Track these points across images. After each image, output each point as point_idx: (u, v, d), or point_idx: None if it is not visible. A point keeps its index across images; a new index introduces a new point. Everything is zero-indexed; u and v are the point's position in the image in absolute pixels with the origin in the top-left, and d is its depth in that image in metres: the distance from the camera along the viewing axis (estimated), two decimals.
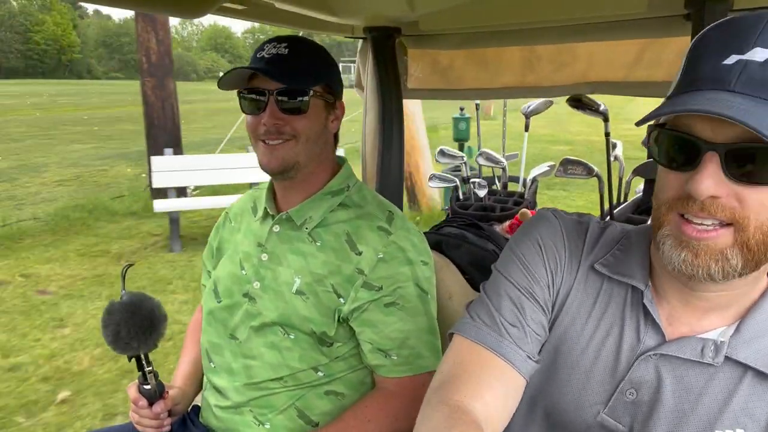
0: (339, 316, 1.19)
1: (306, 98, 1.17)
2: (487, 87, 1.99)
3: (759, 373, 0.76)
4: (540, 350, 0.86)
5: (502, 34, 1.76)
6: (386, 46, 1.81)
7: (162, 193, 5.99)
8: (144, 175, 8.52)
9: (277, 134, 1.17)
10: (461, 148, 7.19)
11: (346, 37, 1.94)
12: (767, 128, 0.60)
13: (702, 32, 0.71)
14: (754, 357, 0.75)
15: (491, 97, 2.10)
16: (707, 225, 0.68)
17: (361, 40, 1.94)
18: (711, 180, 0.65)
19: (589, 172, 3.23)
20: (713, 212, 0.67)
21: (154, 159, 5.81)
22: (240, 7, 1.42)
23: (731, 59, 0.65)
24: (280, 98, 1.16)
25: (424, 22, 1.76)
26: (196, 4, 1.23)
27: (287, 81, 1.15)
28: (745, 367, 0.76)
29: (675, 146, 0.69)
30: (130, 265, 1.26)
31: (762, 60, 0.64)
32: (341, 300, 1.19)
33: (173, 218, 5.61)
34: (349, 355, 1.24)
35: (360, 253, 1.19)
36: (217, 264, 1.38)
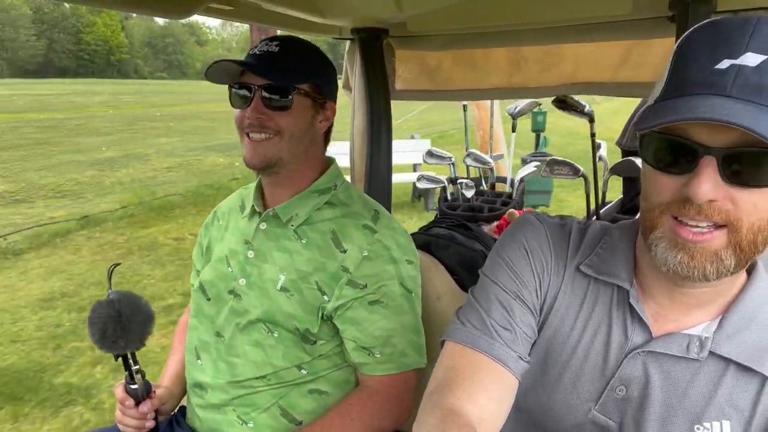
0: (323, 314, 1.19)
1: (289, 96, 1.17)
2: (475, 88, 1.99)
3: (741, 366, 0.78)
4: (530, 351, 0.87)
5: (489, 35, 1.76)
6: (374, 48, 1.81)
7: None
8: (238, 163, 10.13)
9: (260, 128, 1.17)
10: (537, 138, 7.87)
11: (333, 38, 1.94)
12: None
13: (686, 35, 0.71)
14: (736, 351, 0.78)
15: (479, 98, 2.11)
16: (702, 227, 0.69)
17: (348, 41, 1.94)
18: (710, 184, 0.66)
19: (575, 172, 3.26)
20: (710, 215, 0.67)
21: None
22: (227, 8, 1.41)
23: (724, 64, 0.65)
24: (265, 94, 1.17)
25: (412, 23, 1.77)
26: (182, 5, 1.22)
27: (272, 77, 1.16)
28: (728, 361, 0.79)
29: (670, 150, 0.70)
30: (117, 265, 1.25)
31: (754, 65, 0.64)
32: (325, 297, 1.19)
33: None
34: (332, 353, 1.24)
35: (345, 251, 1.20)
36: (206, 263, 1.38)
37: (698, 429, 0.79)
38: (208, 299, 1.30)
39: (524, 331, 0.85)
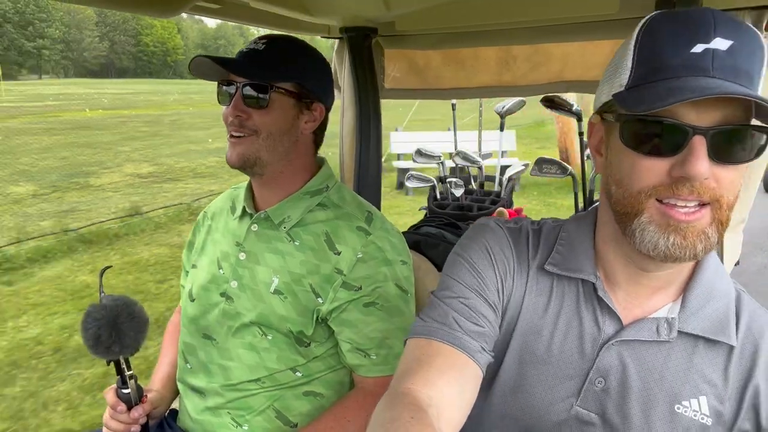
0: (318, 316, 1.19)
1: (266, 94, 1.16)
2: (464, 86, 2.00)
3: (708, 340, 0.81)
4: (493, 348, 0.87)
5: (477, 34, 1.77)
6: (363, 47, 1.81)
7: (395, 156, 9.43)
8: (331, 153, 11.75)
9: (239, 127, 1.17)
10: None
11: (322, 37, 1.94)
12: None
13: (645, 25, 0.73)
14: (701, 326, 0.81)
15: (468, 97, 2.11)
16: (690, 207, 0.70)
17: (337, 41, 1.93)
18: (705, 162, 0.68)
19: (564, 170, 3.28)
20: (702, 193, 0.69)
21: (393, 134, 9.20)
22: (215, 7, 1.40)
23: (698, 48, 0.68)
24: (245, 92, 1.16)
25: (401, 22, 1.77)
26: (168, 4, 1.21)
27: (248, 74, 1.15)
28: (696, 338, 0.81)
29: (657, 133, 0.70)
30: (108, 267, 1.23)
31: (725, 48, 0.68)
32: (319, 300, 1.18)
33: (404, 171, 8.83)
34: (327, 355, 1.24)
35: (339, 253, 1.19)
36: (196, 264, 1.37)
37: (678, 408, 0.81)
38: (199, 301, 1.29)
39: (486, 326, 0.84)
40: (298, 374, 1.21)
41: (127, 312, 1.10)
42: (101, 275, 1.16)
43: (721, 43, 0.67)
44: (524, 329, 0.87)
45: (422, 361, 0.79)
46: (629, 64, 0.73)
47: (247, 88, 1.16)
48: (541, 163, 3.35)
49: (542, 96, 2.57)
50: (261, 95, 1.16)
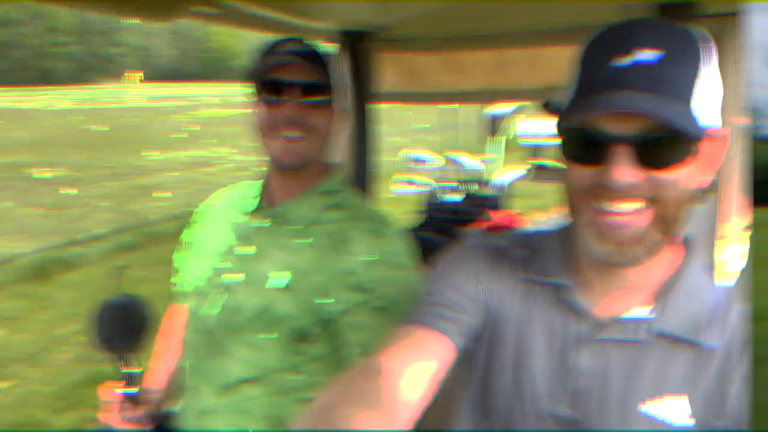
0: (324, 317, 1.17)
1: (327, 93, 1.19)
2: (461, 91, 2.00)
3: (688, 342, 0.80)
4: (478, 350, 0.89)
5: (475, 38, 1.78)
6: (360, 51, 1.82)
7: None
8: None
9: (298, 127, 1.17)
10: None
11: (320, 41, 1.94)
12: (672, 115, 0.67)
13: (588, 42, 0.77)
14: (679, 328, 0.80)
15: (464, 102, 2.12)
16: (625, 212, 0.72)
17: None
18: (626, 171, 0.70)
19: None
20: (634, 198, 0.71)
21: (522, 123, 10.28)
22: (212, 12, 1.41)
23: (617, 61, 0.71)
24: (306, 92, 1.17)
25: (398, 26, 1.77)
26: (163, 9, 1.21)
27: (308, 75, 1.17)
28: (672, 338, 0.80)
29: (585, 143, 0.74)
30: (125, 267, 1.23)
31: (649, 59, 0.70)
32: (327, 300, 1.17)
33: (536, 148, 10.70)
34: (330, 358, 1.22)
35: (350, 254, 1.18)
36: (194, 260, 1.36)
37: (655, 411, 0.80)
38: (198, 297, 1.28)
39: (464, 316, 0.86)
40: (300, 378, 1.20)
41: (133, 311, 1.11)
42: (119, 274, 1.16)
43: (643, 55, 0.70)
44: (511, 340, 0.88)
45: (393, 341, 0.83)
46: (576, 77, 0.77)
47: (307, 87, 1.17)
48: (540, 169, 3.36)
49: (540, 100, 2.57)
50: (321, 96, 1.18)
